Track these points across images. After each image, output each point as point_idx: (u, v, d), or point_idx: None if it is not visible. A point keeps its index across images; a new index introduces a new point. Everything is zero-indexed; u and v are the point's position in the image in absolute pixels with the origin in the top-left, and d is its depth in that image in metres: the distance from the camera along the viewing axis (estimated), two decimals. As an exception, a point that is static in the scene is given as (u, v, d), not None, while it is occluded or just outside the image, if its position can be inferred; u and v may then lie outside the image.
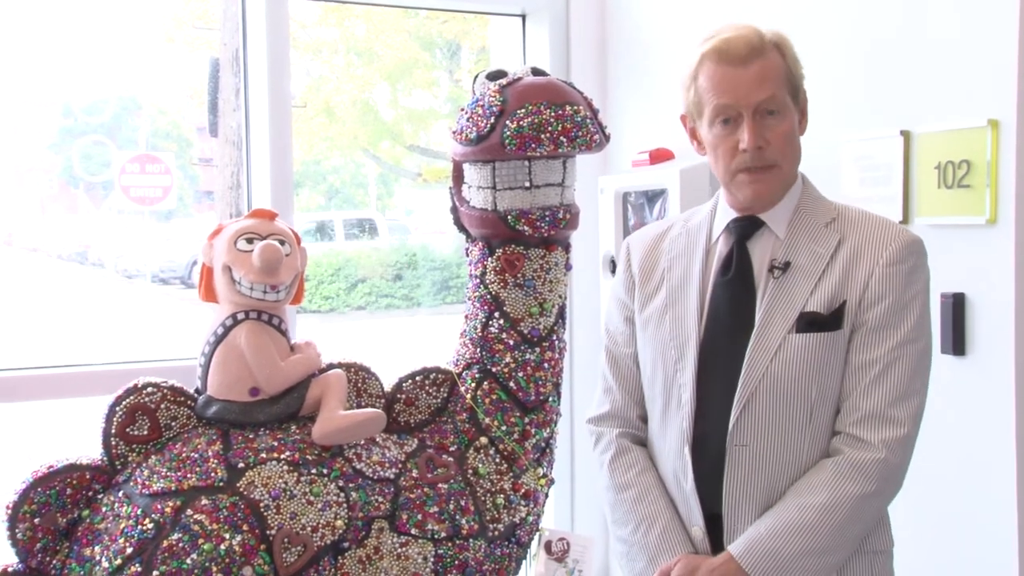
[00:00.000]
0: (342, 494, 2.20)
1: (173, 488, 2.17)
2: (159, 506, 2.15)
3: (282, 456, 2.19)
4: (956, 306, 2.48)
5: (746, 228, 1.98)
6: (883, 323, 1.87)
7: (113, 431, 2.29)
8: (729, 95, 1.90)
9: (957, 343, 2.49)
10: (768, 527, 1.84)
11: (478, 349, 2.42)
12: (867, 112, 2.75)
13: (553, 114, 2.26)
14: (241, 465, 2.17)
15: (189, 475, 2.19)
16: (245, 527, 2.10)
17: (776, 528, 1.84)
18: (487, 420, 2.39)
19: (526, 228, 2.34)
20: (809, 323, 1.88)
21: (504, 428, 2.40)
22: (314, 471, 2.20)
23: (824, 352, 1.88)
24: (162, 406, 2.29)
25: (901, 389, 1.85)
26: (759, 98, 1.89)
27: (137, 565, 2.11)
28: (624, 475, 2.03)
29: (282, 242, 2.29)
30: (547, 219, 2.34)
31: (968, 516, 2.50)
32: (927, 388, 1.91)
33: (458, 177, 2.47)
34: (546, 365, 2.42)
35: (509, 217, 2.34)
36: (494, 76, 2.39)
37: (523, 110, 2.26)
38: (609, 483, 2.06)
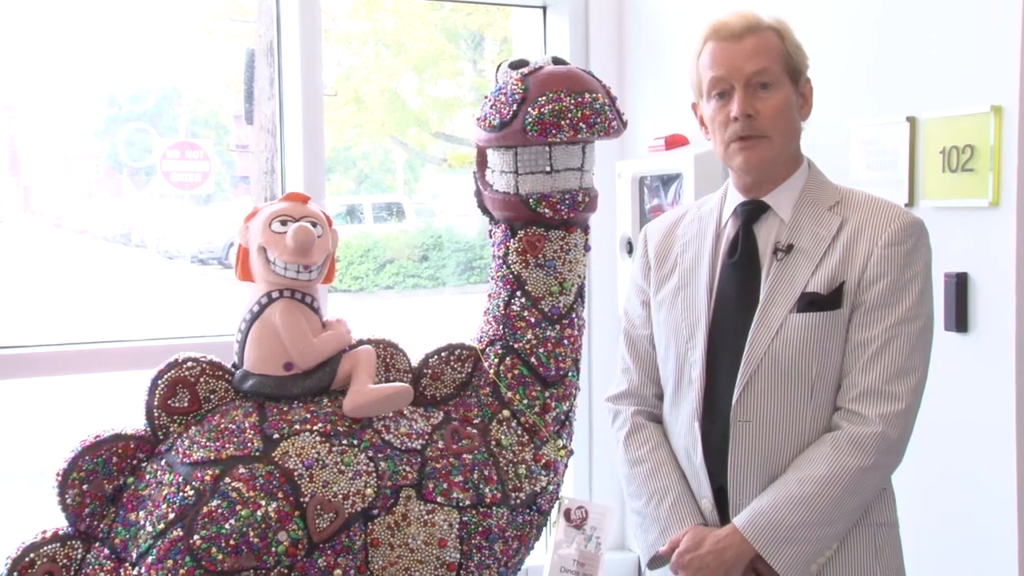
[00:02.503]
0: (372, 464, 2.20)
1: (212, 457, 2.18)
2: (199, 474, 2.17)
3: (315, 428, 2.19)
4: (959, 285, 2.46)
5: (752, 212, 1.97)
6: (881, 302, 1.85)
7: (155, 403, 2.30)
8: (723, 67, 1.90)
9: (960, 321, 2.47)
10: (770, 500, 1.84)
11: (501, 326, 2.42)
12: (874, 99, 2.73)
13: (573, 101, 2.25)
14: (276, 436, 2.17)
15: (227, 445, 2.20)
16: (280, 494, 2.11)
17: (777, 501, 1.83)
18: (509, 394, 2.39)
19: (547, 211, 2.33)
20: (809, 303, 1.86)
21: (526, 402, 2.40)
22: (345, 442, 2.21)
23: (824, 331, 1.86)
24: (201, 380, 2.29)
25: (899, 366, 1.83)
26: (750, 70, 1.88)
27: (179, 529, 2.13)
28: (638, 450, 2.03)
29: (314, 224, 2.29)
30: (567, 202, 2.34)
31: (970, 487, 2.49)
32: (927, 365, 1.88)
33: (482, 162, 2.46)
34: (566, 342, 2.41)
35: (530, 200, 2.33)
36: (516, 65, 2.38)
37: (544, 97, 2.25)
38: (624, 458, 2.06)
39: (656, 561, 1.98)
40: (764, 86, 1.89)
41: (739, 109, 1.87)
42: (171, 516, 2.14)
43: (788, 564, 1.81)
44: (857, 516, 1.86)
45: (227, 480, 2.15)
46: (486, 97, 2.37)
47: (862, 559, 1.88)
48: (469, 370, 2.45)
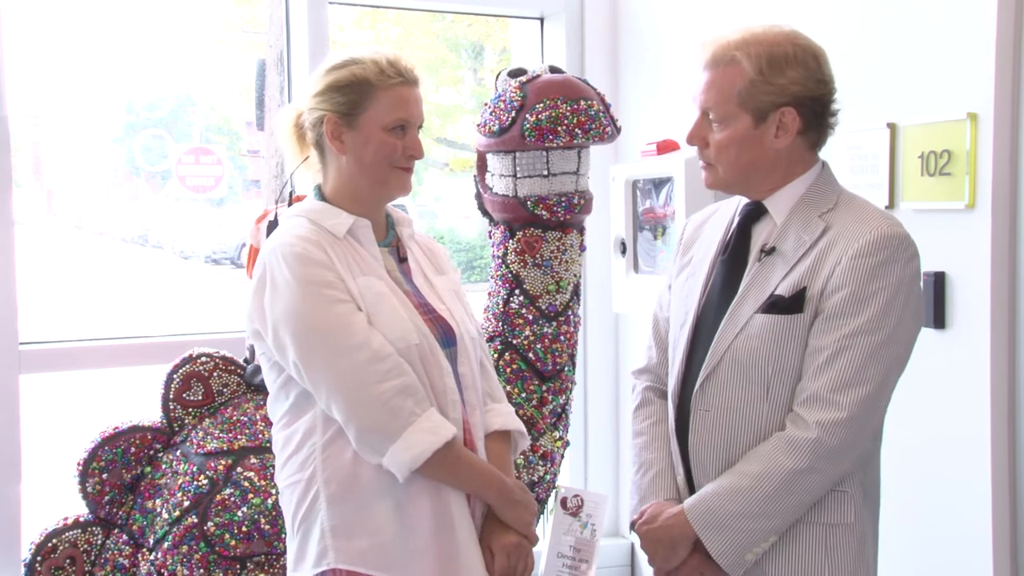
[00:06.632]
0: (377, 454, 2.20)
1: (225, 448, 2.18)
2: (213, 464, 2.16)
3: (323, 419, 2.18)
4: (937, 284, 2.47)
5: (751, 213, 1.96)
6: (838, 312, 1.79)
7: (171, 396, 2.30)
8: (693, 92, 1.92)
9: (938, 318, 2.47)
10: (714, 488, 1.85)
11: (500, 323, 2.41)
12: (856, 107, 2.72)
13: (569, 108, 2.24)
14: (286, 427, 2.17)
15: (239, 436, 2.19)
16: (290, 483, 2.10)
17: (720, 490, 1.84)
18: (508, 388, 2.39)
19: (544, 213, 2.33)
20: (772, 305, 1.85)
21: (524, 395, 2.39)
22: (352, 433, 2.20)
23: (782, 333, 1.83)
24: (214, 374, 2.29)
25: (847, 376, 1.77)
26: (701, 104, 1.91)
27: (193, 516, 2.12)
28: (641, 423, 2.06)
29: (322, 226, 2.27)
30: (563, 204, 2.33)
31: (946, 479, 2.49)
32: (888, 380, 1.81)
33: (482, 166, 2.46)
34: (562, 338, 2.41)
35: (528, 203, 2.33)
36: (515, 74, 2.38)
37: (541, 104, 2.24)
38: (632, 429, 2.09)
39: (634, 526, 2.01)
40: (713, 120, 1.89)
41: (687, 134, 1.91)
42: (186, 504, 2.14)
43: (721, 549, 1.81)
44: (798, 514, 1.82)
45: (239, 470, 2.15)
46: (486, 104, 2.37)
47: (808, 557, 1.83)
48: (470, 365, 2.44)
